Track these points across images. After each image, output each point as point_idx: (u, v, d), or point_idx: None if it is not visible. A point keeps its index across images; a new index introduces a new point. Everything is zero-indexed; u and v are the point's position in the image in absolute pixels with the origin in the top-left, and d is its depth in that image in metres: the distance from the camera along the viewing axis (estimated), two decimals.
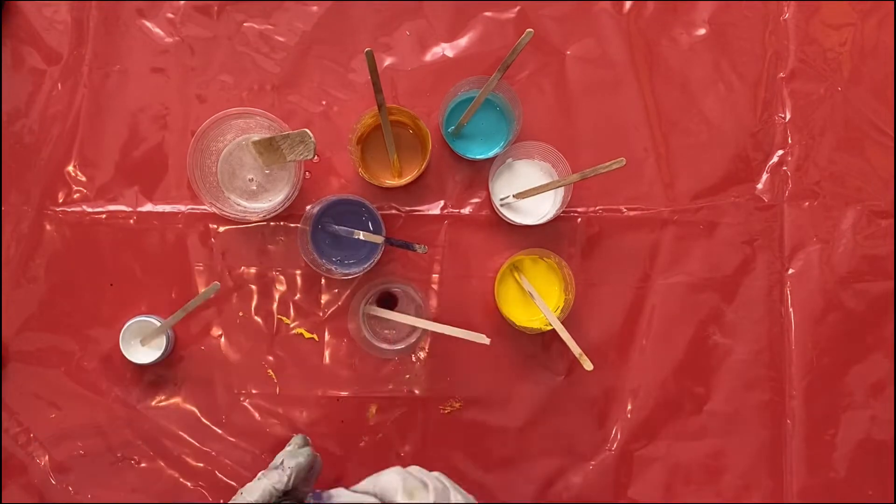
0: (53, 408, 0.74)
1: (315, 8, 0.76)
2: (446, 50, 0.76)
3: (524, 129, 0.74)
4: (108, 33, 0.75)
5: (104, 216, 0.74)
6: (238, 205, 0.73)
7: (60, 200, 0.74)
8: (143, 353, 0.72)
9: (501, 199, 0.73)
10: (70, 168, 0.75)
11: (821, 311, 0.76)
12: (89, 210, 0.74)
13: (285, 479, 0.60)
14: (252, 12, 0.76)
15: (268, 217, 0.73)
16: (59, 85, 0.75)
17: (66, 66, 0.75)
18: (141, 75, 0.75)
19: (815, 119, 0.77)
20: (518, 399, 0.75)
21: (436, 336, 0.74)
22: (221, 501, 0.74)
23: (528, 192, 0.71)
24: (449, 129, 0.74)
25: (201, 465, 0.74)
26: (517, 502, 0.75)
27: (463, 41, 0.76)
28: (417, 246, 0.66)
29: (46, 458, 0.73)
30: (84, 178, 0.75)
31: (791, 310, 0.76)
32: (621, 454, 0.75)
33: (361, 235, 0.68)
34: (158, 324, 0.71)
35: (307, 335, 0.74)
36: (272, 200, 0.73)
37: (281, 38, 0.76)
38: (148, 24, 0.76)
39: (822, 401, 0.75)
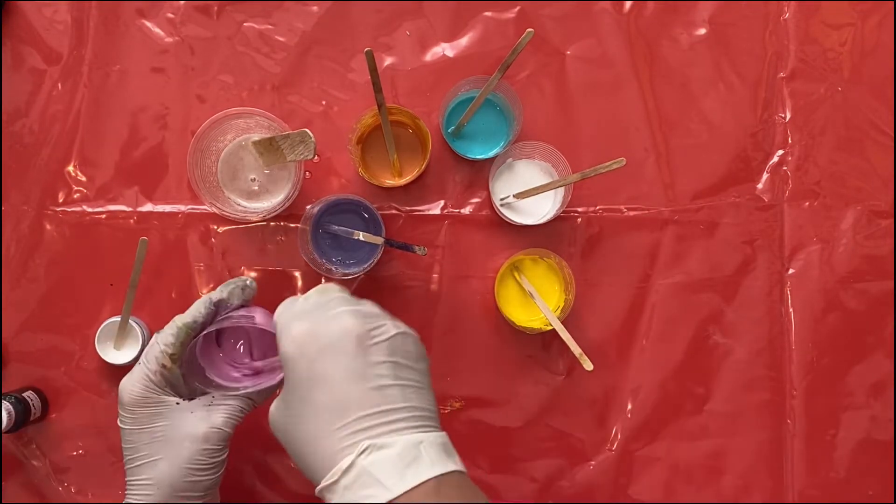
0: (53, 408, 0.74)
1: (315, 8, 0.76)
2: (446, 50, 0.76)
3: (524, 129, 0.74)
4: (108, 33, 0.75)
5: (104, 216, 0.74)
6: (238, 205, 0.73)
7: (60, 200, 0.74)
8: (119, 354, 0.72)
9: (501, 199, 0.73)
10: (70, 168, 0.74)
11: (821, 311, 0.76)
12: (89, 210, 0.74)
13: (215, 294, 0.61)
14: (252, 12, 0.76)
15: (268, 217, 0.73)
16: (59, 85, 0.75)
17: (66, 66, 0.75)
18: (141, 75, 0.75)
19: (815, 119, 0.77)
20: (518, 399, 0.75)
21: (436, 336, 0.74)
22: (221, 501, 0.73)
23: (529, 192, 0.71)
24: (449, 129, 0.74)
25: None
26: (518, 502, 0.75)
27: (463, 41, 0.76)
28: (417, 248, 0.66)
29: (47, 457, 0.74)
30: (84, 178, 0.75)
31: (791, 310, 0.76)
32: (621, 454, 0.75)
33: (361, 236, 0.68)
34: (134, 324, 0.71)
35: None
36: (272, 200, 0.73)
37: (281, 38, 0.76)
38: (148, 24, 0.76)
39: (822, 401, 0.75)
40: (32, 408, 0.70)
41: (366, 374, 0.49)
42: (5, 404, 0.67)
